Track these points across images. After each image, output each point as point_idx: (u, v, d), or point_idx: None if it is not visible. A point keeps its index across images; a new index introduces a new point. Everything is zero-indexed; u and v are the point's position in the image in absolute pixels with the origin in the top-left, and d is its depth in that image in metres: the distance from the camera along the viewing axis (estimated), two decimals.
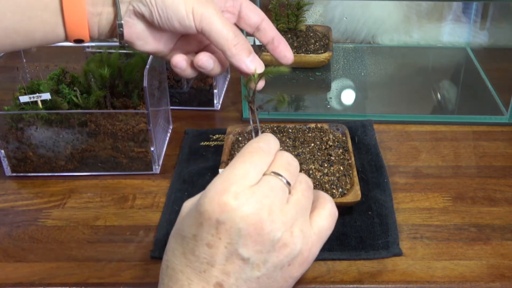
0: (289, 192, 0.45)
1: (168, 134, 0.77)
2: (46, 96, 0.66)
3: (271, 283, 0.44)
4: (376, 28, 1.02)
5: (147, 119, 0.65)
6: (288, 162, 0.46)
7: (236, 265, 0.42)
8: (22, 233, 0.60)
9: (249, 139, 0.69)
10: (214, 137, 0.76)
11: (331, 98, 0.87)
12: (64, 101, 0.68)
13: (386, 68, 0.97)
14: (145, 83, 0.63)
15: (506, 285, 0.53)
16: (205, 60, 0.54)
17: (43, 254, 0.57)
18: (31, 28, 0.50)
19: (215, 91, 0.82)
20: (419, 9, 1.02)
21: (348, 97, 0.88)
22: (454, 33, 1.02)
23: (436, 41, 1.03)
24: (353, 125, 0.75)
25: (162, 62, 0.74)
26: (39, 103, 0.67)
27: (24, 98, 0.66)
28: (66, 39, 0.52)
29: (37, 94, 0.66)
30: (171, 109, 0.79)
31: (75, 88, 0.68)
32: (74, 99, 0.67)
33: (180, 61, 0.54)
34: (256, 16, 0.56)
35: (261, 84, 0.54)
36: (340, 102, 0.86)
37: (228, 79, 0.91)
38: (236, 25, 0.56)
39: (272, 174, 0.44)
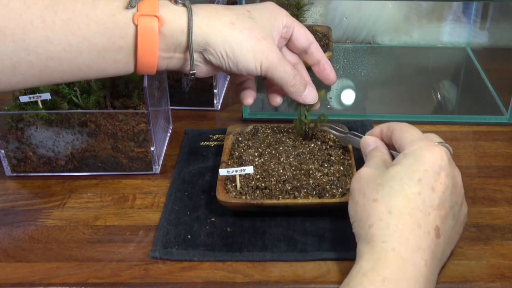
0: None
1: (168, 134, 0.77)
2: (46, 96, 0.66)
3: (454, 236, 0.53)
4: (376, 28, 1.02)
5: (147, 119, 0.65)
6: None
7: (446, 211, 0.49)
8: (22, 233, 0.60)
9: (247, 139, 0.69)
10: (214, 137, 0.76)
11: (331, 98, 0.87)
12: (64, 101, 0.68)
13: (386, 68, 0.97)
14: (145, 83, 0.63)
15: (506, 285, 0.53)
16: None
17: (43, 254, 0.57)
18: (103, 66, 0.54)
19: (215, 91, 0.82)
20: (419, 9, 1.02)
21: (348, 97, 0.88)
22: (454, 33, 1.02)
23: (436, 41, 1.03)
24: (353, 125, 0.75)
25: None
26: (39, 103, 0.67)
27: (24, 98, 0.66)
28: (135, 72, 0.57)
29: (37, 94, 0.66)
30: (171, 109, 0.79)
31: (75, 88, 0.68)
32: (74, 99, 0.67)
33: (278, 102, 0.65)
34: (305, 41, 0.63)
35: (317, 107, 0.65)
36: (340, 102, 0.86)
37: (228, 79, 0.91)
38: (287, 46, 0.64)
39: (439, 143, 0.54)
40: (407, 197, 0.48)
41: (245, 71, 0.57)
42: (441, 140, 0.54)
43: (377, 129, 0.59)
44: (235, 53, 0.56)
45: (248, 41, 0.56)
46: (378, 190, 0.50)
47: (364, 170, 0.53)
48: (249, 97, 0.64)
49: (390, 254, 0.46)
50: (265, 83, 0.65)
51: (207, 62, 0.57)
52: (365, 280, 0.45)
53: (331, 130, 0.67)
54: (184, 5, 0.55)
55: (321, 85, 0.66)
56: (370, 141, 0.58)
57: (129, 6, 0.53)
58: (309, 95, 0.63)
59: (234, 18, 0.56)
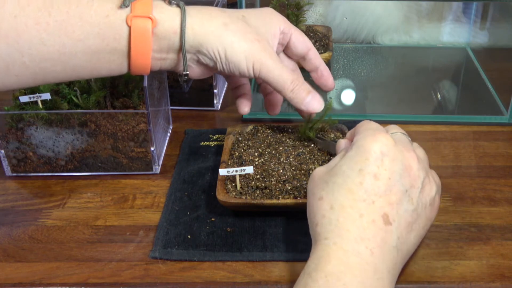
0: None
1: (168, 134, 0.77)
2: (46, 96, 0.66)
3: (418, 220, 0.50)
4: (376, 28, 1.02)
5: (147, 119, 0.65)
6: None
7: (397, 196, 0.48)
8: (22, 233, 0.60)
9: (247, 139, 0.69)
10: (214, 137, 0.76)
11: (331, 98, 0.87)
12: (64, 101, 0.68)
13: (386, 68, 0.97)
14: (145, 83, 0.63)
15: (506, 285, 0.53)
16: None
17: (43, 254, 0.57)
18: (97, 66, 0.54)
19: (215, 91, 0.82)
20: (419, 9, 1.02)
21: (348, 97, 0.88)
22: (454, 33, 1.02)
23: (436, 41, 1.03)
24: (353, 125, 0.75)
25: None
26: (39, 103, 0.67)
27: (24, 98, 0.66)
28: (128, 72, 0.56)
29: (37, 94, 0.66)
30: (171, 109, 0.79)
31: (75, 88, 0.68)
32: (74, 99, 0.67)
33: (276, 112, 0.66)
34: (303, 47, 0.62)
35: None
36: (340, 102, 0.86)
37: None
38: (285, 53, 0.63)
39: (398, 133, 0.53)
40: (350, 189, 0.48)
41: (237, 72, 0.57)
42: (401, 131, 0.53)
43: (349, 133, 0.58)
44: (227, 54, 0.55)
45: (241, 42, 0.56)
46: (323, 188, 0.49)
47: (316, 169, 0.53)
48: (245, 106, 0.64)
49: (331, 249, 0.46)
50: (261, 89, 0.65)
51: (200, 63, 0.57)
52: (309, 280, 0.45)
53: (316, 139, 0.66)
54: (178, 6, 0.55)
55: (318, 91, 0.66)
56: (342, 144, 0.57)
57: (123, 5, 0.52)
58: (313, 101, 0.60)
59: (228, 20, 0.56)
